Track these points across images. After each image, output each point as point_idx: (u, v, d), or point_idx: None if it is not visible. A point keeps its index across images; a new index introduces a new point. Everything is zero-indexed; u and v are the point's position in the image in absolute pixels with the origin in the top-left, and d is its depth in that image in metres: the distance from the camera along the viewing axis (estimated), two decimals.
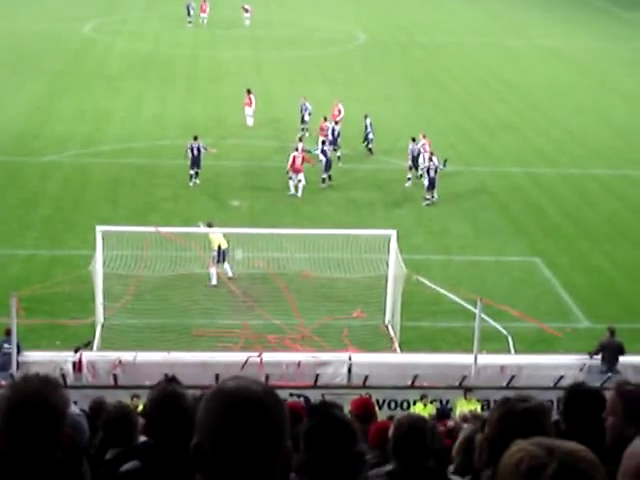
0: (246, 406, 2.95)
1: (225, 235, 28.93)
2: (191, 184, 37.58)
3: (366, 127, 41.99)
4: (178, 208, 35.51)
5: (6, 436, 3.91)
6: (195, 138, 37.87)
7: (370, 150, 42.01)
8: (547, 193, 39.29)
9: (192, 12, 71.08)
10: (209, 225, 29.41)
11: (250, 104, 46.15)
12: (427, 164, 36.89)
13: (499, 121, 49.79)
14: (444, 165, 36.94)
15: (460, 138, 46.27)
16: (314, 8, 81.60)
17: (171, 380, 5.57)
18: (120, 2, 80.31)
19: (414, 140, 39.03)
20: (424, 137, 39.36)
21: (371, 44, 68.53)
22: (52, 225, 33.61)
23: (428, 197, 36.86)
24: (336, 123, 41.88)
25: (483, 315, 24.22)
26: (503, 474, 2.78)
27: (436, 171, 36.60)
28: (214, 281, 28.82)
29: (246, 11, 72.72)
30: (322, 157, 38.14)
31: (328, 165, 38.17)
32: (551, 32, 76.22)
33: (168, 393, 5.38)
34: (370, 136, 41.93)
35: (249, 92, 46.40)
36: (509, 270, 31.83)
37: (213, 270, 28.88)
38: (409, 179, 38.52)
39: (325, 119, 41.77)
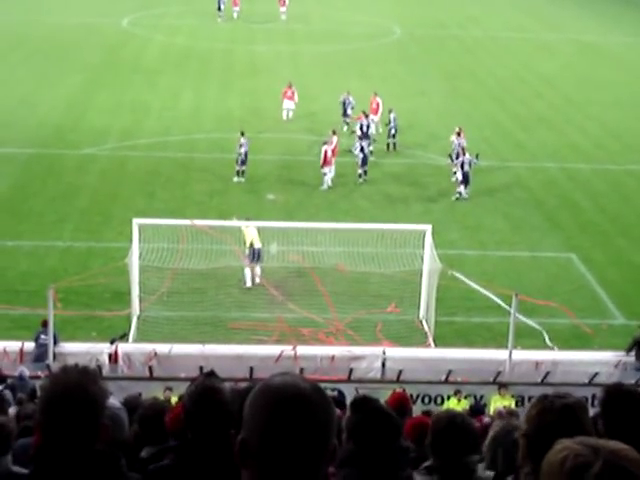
0: (294, 403, 2.94)
1: (260, 234, 28.84)
2: (236, 180, 37.66)
3: (389, 122, 41.81)
4: (214, 201, 35.66)
5: (46, 427, 3.95)
6: (242, 134, 37.86)
7: (394, 145, 41.73)
8: (582, 188, 39.08)
9: (223, 6, 71.09)
10: (246, 219, 29.38)
11: (292, 97, 46.03)
12: (461, 158, 36.72)
13: (534, 116, 49.55)
14: (477, 159, 36.80)
15: (495, 132, 46.12)
16: (350, 2, 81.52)
17: (210, 374, 5.61)
18: None
19: (459, 134, 38.72)
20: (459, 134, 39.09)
21: (407, 38, 68.38)
22: (89, 217, 33.86)
23: (459, 191, 36.71)
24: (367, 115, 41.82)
25: (518, 314, 24.19)
26: (547, 473, 2.79)
27: (470, 165, 36.46)
28: (248, 283, 28.71)
29: (283, 4, 72.70)
30: (359, 153, 38.12)
31: (364, 161, 38.13)
32: (587, 26, 75.75)
33: (207, 387, 5.40)
34: (392, 131, 41.68)
35: (290, 85, 46.30)
36: (544, 266, 31.71)
37: (247, 271, 28.81)
38: (455, 173, 38.16)
39: (365, 114, 41.46)
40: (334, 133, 38.64)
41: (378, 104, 44.31)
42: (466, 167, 36.46)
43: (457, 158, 37.22)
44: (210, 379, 5.51)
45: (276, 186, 37.50)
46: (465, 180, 36.58)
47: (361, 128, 40.80)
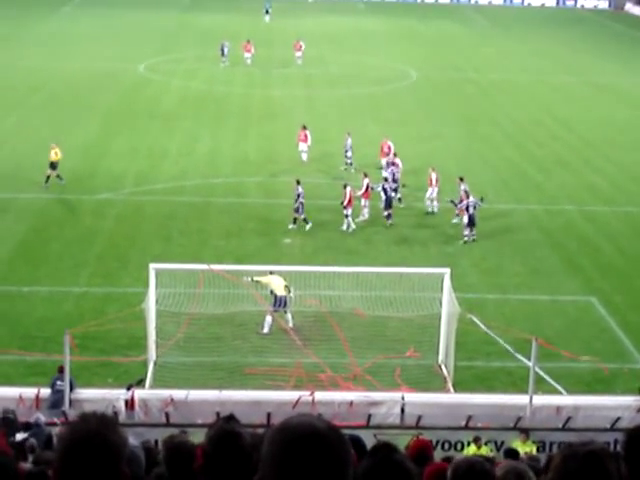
0: (310, 441, 2.95)
1: (287, 285, 28.53)
2: (290, 227, 37.56)
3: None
4: (230, 246, 35.59)
5: (64, 476, 3.85)
6: (298, 182, 37.83)
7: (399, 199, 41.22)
8: (602, 231, 38.86)
9: (226, 51, 71.54)
10: (270, 272, 28.87)
11: (305, 140, 46.31)
12: (465, 202, 36.60)
13: (552, 158, 49.46)
14: (481, 202, 36.72)
15: (513, 175, 46.03)
16: (366, 46, 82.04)
17: (230, 418, 5.52)
18: (175, 42, 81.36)
19: (462, 180, 38.63)
20: (433, 170, 39.46)
21: (423, 82, 68.62)
22: (106, 262, 33.82)
23: (467, 234, 36.61)
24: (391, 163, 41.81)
25: (523, 358, 23.90)
26: None
27: (475, 207, 36.39)
28: (266, 329, 28.42)
29: (298, 49, 73.07)
30: (382, 195, 38.08)
31: (388, 203, 38.07)
32: (604, 69, 75.92)
33: (226, 431, 5.33)
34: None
35: (304, 128, 46.58)
36: (564, 309, 31.44)
37: (268, 319, 28.53)
38: (457, 215, 38.26)
39: (394, 155, 41.64)
40: (365, 176, 38.63)
41: (390, 147, 44.14)
42: (471, 210, 36.36)
43: (460, 202, 37.19)
44: (230, 423, 5.44)
45: (293, 230, 37.40)
46: (471, 223, 36.47)
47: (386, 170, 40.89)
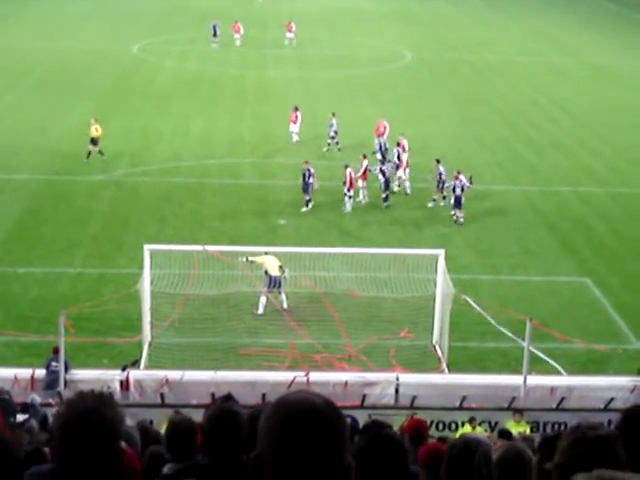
0: (307, 417, 2.97)
1: (281, 265, 28.44)
2: (304, 209, 37.41)
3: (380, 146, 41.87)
4: (225, 227, 35.57)
5: (62, 452, 3.89)
6: (305, 162, 37.75)
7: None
8: (596, 212, 38.89)
9: (218, 32, 71.36)
10: (265, 252, 28.79)
11: (295, 121, 46.26)
12: (453, 182, 36.54)
13: (547, 139, 49.44)
14: (470, 182, 36.62)
15: (508, 156, 46.01)
16: (360, 27, 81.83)
17: (228, 398, 5.56)
18: (168, 23, 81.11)
19: (439, 162, 38.62)
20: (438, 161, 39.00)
21: (418, 63, 68.48)
22: (100, 243, 33.79)
23: (454, 214, 36.58)
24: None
25: (517, 338, 23.95)
26: None
27: (462, 189, 36.27)
28: (261, 310, 28.37)
29: (289, 30, 72.79)
30: (380, 177, 38.03)
31: (387, 184, 38.06)
32: (600, 50, 75.80)
33: (225, 411, 5.37)
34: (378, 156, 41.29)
35: (296, 109, 46.51)
36: (558, 290, 31.49)
37: (263, 299, 28.49)
38: (434, 200, 38.24)
39: (401, 138, 41.45)
40: (364, 157, 38.58)
41: (385, 127, 44.23)
42: (457, 191, 36.24)
43: (443, 183, 37.20)
44: (228, 403, 5.48)
45: (287, 211, 37.40)
46: (457, 204, 36.38)
47: (381, 150, 40.85)
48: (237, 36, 71.65)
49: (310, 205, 37.35)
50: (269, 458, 2.97)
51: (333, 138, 45.73)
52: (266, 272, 28.53)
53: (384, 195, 38.12)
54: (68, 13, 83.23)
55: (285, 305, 28.68)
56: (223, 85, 59.75)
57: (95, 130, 42.36)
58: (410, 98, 57.73)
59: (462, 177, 36.55)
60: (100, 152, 42.13)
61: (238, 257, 29.14)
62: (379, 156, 40.58)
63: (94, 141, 42.30)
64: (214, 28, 71.33)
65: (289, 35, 72.62)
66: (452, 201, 36.66)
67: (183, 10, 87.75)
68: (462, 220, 36.52)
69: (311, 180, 37.15)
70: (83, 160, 41.88)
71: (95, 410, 3.88)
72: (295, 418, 2.97)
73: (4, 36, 71.97)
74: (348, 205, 37.33)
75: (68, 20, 79.81)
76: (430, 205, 38.14)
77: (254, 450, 3.02)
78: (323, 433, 2.96)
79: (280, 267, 28.42)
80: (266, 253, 28.71)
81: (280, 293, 28.70)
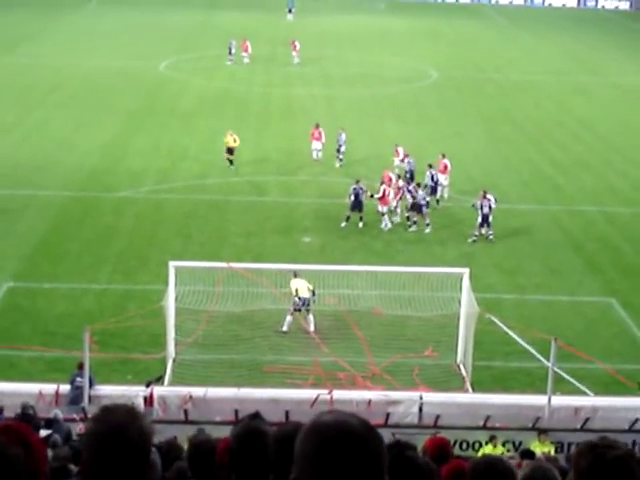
0: (345, 439, 2.92)
1: (310, 286, 28.38)
2: (343, 225, 37.40)
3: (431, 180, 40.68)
4: (250, 244, 35.64)
5: (94, 468, 3.81)
6: (357, 182, 37.76)
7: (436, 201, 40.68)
8: (622, 232, 38.70)
9: (234, 50, 71.86)
10: (295, 275, 28.72)
11: (319, 138, 46.30)
12: (480, 201, 36.38)
13: (573, 159, 49.29)
14: (496, 201, 36.52)
15: (533, 176, 45.89)
16: (386, 46, 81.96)
17: (255, 416, 5.55)
18: (196, 40, 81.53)
19: (431, 166, 39.18)
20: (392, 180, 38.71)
21: (443, 81, 68.49)
22: (126, 260, 33.93)
23: (476, 233, 36.43)
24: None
25: (542, 358, 23.83)
26: None
27: (490, 208, 36.13)
28: (285, 328, 28.28)
29: (294, 49, 73.03)
30: (409, 196, 37.92)
31: (412, 205, 37.98)
32: (626, 70, 75.56)
33: (252, 429, 5.35)
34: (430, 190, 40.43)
35: (317, 126, 46.59)
36: (584, 310, 31.33)
37: (289, 318, 28.41)
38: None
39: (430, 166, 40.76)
40: (399, 177, 38.61)
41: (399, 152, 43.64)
42: (485, 210, 36.14)
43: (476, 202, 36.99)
44: (256, 421, 5.46)
45: (312, 228, 37.44)
46: (484, 222, 36.24)
47: (410, 172, 40.81)
48: (245, 54, 72.04)
49: (361, 223, 37.47)
50: None
51: (338, 151, 45.79)
52: (297, 293, 28.39)
53: (408, 214, 37.92)
54: (96, 30, 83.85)
55: (312, 327, 28.53)
56: (249, 103, 59.95)
57: (233, 140, 44.54)
58: (436, 117, 57.73)
59: (489, 196, 36.46)
60: (231, 162, 44.26)
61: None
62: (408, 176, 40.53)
63: (230, 150, 44.46)
64: (230, 46, 71.84)
65: (294, 54, 72.81)
66: (479, 220, 36.49)
67: (211, 27, 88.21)
68: (492, 237, 36.39)
69: (363, 197, 37.22)
70: (230, 167, 44.29)
71: (128, 424, 3.82)
72: (331, 441, 2.93)
73: (32, 53, 72.57)
74: (384, 223, 37.30)
75: (96, 37, 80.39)
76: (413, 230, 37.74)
77: (292, 473, 2.98)
78: (360, 455, 2.92)
79: (309, 289, 28.33)
80: (295, 275, 28.63)
81: (308, 312, 28.57)
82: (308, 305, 28.41)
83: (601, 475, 4.00)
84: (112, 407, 3.94)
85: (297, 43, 73.39)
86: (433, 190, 39.79)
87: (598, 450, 4.08)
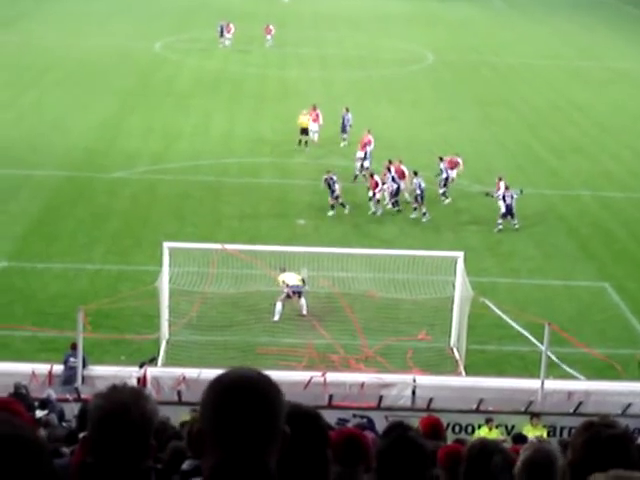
0: (241, 388, 3.18)
1: (301, 278, 28.24)
2: (330, 214, 37.12)
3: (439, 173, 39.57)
4: (244, 226, 35.59)
5: (98, 446, 3.84)
6: (328, 172, 37.59)
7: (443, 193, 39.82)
8: (617, 217, 38.72)
9: (225, 33, 71.73)
10: (282, 270, 28.41)
11: (317, 120, 46.17)
12: (502, 192, 36.23)
13: (568, 143, 49.26)
14: (520, 193, 36.41)
15: (528, 160, 45.86)
16: (383, 29, 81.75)
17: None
18: (191, 21, 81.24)
19: (442, 159, 38.90)
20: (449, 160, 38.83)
21: (439, 65, 68.38)
22: (120, 240, 33.87)
23: (500, 222, 36.22)
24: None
25: (536, 342, 23.86)
26: None
27: (512, 197, 35.94)
28: (276, 317, 28.04)
29: (268, 32, 72.70)
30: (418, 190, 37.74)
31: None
32: (622, 54, 75.48)
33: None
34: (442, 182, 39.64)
35: (315, 108, 46.47)
36: (577, 295, 31.37)
37: (279, 305, 28.22)
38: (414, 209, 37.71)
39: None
40: (400, 162, 38.53)
41: (370, 141, 42.59)
42: (508, 200, 35.95)
43: (496, 192, 36.62)
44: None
45: (306, 211, 37.40)
46: (508, 212, 36.03)
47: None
48: (228, 36, 71.78)
49: (347, 209, 37.24)
50: (209, 430, 3.18)
51: (344, 131, 45.67)
52: (284, 282, 28.26)
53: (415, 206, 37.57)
54: (91, 10, 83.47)
55: (304, 311, 28.46)
56: (244, 84, 59.79)
57: (307, 120, 44.89)
58: (431, 100, 57.64)
59: (502, 184, 36.42)
60: (302, 142, 44.73)
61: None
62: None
63: (305, 131, 44.85)
64: (221, 28, 71.52)
65: (268, 37, 72.40)
66: (503, 209, 36.30)
67: (205, 8, 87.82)
68: (517, 226, 36.24)
69: (336, 186, 36.98)
70: (304, 149, 44.58)
71: (131, 403, 3.85)
72: (229, 391, 3.18)
73: (26, 33, 72.27)
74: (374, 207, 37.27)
75: (90, 17, 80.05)
76: (413, 216, 37.36)
77: (198, 423, 3.22)
78: (256, 402, 3.16)
79: (301, 279, 28.22)
80: (284, 271, 28.49)
81: (300, 297, 28.49)
82: (300, 293, 28.29)
83: (595, 452, 4.01)
84: (120, 386, 3.99)
85: (272, 27, 72.91)
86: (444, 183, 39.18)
87: (594, 428, 4.09)
